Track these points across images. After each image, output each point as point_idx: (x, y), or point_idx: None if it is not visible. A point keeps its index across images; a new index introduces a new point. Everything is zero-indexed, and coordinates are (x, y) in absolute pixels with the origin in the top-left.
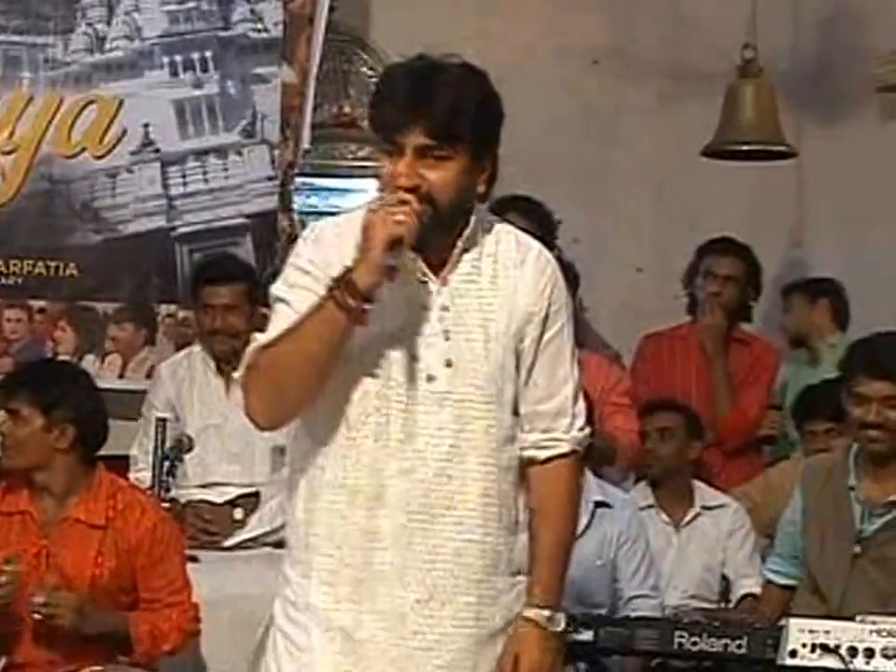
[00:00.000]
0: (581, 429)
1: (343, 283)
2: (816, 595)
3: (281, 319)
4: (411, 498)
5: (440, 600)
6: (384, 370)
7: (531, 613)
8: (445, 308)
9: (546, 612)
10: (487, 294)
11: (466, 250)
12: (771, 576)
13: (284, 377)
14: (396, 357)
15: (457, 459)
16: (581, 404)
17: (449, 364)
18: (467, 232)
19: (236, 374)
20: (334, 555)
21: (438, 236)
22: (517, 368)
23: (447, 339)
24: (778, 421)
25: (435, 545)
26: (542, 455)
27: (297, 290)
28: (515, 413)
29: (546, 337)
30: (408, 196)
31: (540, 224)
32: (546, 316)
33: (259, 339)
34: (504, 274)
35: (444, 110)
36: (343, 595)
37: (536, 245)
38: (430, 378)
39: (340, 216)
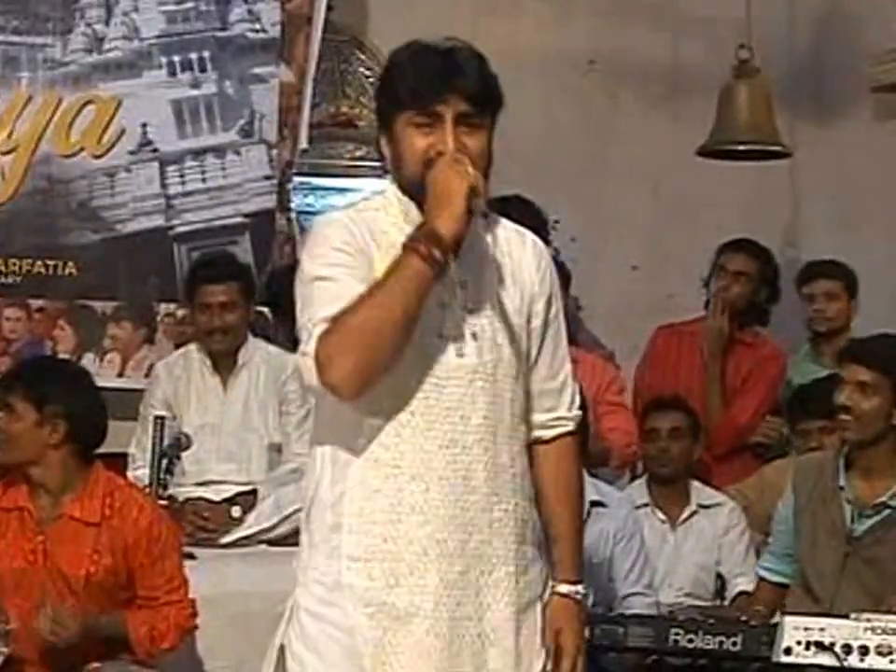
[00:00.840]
0: (579, 407)
1: (424, 236)
2: (809, 595)
3: (328, 295)
4: (450, 472)
5: (479, 570)
6: (415, 345)
7: (565, 589)
8: (464, 284)
9: (580, 587)
10: (498, 272)
11: (475, 232)
12: (764, 573)
13: (375, 339)
14: (425, 330)
15: (490, 431)
16: (576, 384)
17: (475, 337)
18: (481, 222)
19: (301, 352)
20: (368, 531)
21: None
22: (528, 348)
23: (471, 313)
24: (777, 429)
25: (472, 517)
26: (549, 434)
27: (338, 267)
28: (526, 391)
29: (550, 317)
30: (462, 156)
31: (532, 223)
32: (549, 298)
33: (316, 315)
34: (509, 258)
35: (476, 77)
36: (379, 571)
37: (528, 232)
38: (459, 352)
39: (345, 209)
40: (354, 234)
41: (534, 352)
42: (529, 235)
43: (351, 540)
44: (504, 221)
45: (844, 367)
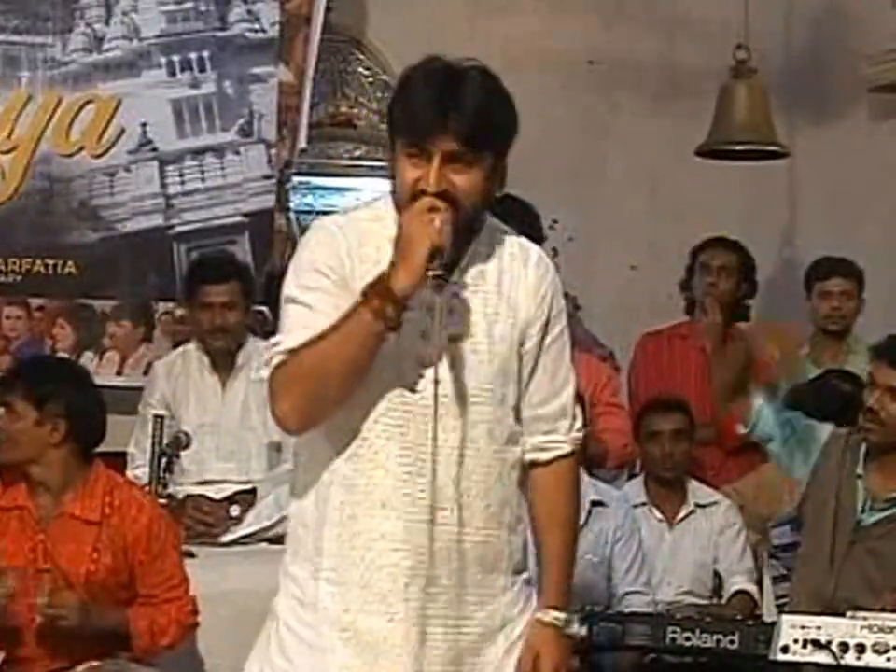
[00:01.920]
0: (579, 430)
1: (379, 290)
2: (811, 583)
3: (302, 321)
4: (417, 501)
5: (444, 600)
6: (393, 372)
7: (548, 616)
8: (451, 310)
9: (562, 614)
10: (492, 298)
11: (473, 254)
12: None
13: (319, 384)
14: (404, 359)
15: (463, 461)
16: (578, 408)
17: (454, 367)
18: (479, 237)
19: (260, 374)
20: (345, 556)
21: (453, 240)
22: (519, 371)
23: (452, 341)
24: None
25: (440, 546)
26: (545, 456)
27: (313, 292)
28: (517, 415)
29: (547, 341)
30: (439, 203)
31: (525, 223)
32: (547, 321)
33: (282, 342)
34: (508, 279)
35: (472, 116)
36: (353, 596)
37: (535, 249)
38: (437, 381)
39: (341, 214)
40: (339, 252)
41: (525, 374)
42: (535, 252)
43: (329, 564)
44: (509, 236)
45: (877, 368)
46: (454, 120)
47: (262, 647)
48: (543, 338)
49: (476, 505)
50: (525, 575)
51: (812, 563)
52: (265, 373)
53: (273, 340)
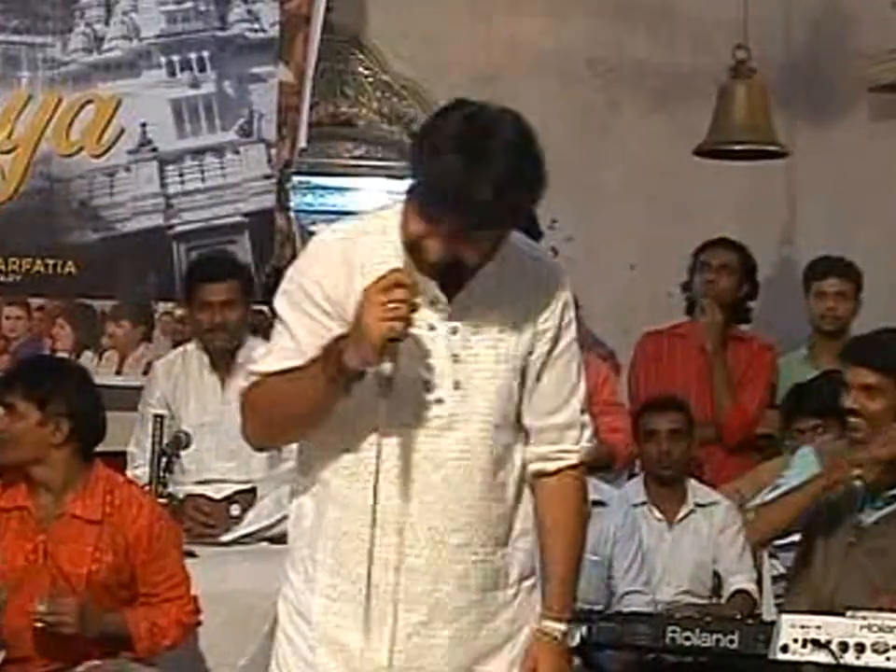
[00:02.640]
0: (589, 441)
1: (334, 359)
2: (808, 581)
3: (281, 346)
4: (416, 521)
5: (442, 620)
6: (393, 389)
7: (549, 627)
8: (454, 331)
9: (563, 626)
10: (498, 316)
11: (483, 272)
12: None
13: (275, 420)
14: (405, 377)
15: (464, 480)
16: (588, 416)
17: (457, 386)
18: (488, 265)
19: (241, 384)
20: (338, 572)
21: (459, 268)
22: (523, 381)
23: (456, 361)
24: (776, 420)
25: (440, 567)
26: (551, 466)
27: (299, 315)
28: (515, 430)
29: (556, 352)
30: (406, 280)
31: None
32: (557, 332)
33: (260, 359)
34: (516, 296)
35: (489, 208)
36: (346, 612)
37: (547, 260)
38: (439, 400)
39: (347, 225)
40: (336, 274)
41: (533, 387)
42: (545, 265)
43: (324, 579)
44: (521, 245)
45: (847, 369)
46: (466, 211)
47: (275, 653)
48: (552, 348)
49: (478, 526)
50: (528, 583)
51: (810, 568)
52: (241, 389)
53: (258, 351)
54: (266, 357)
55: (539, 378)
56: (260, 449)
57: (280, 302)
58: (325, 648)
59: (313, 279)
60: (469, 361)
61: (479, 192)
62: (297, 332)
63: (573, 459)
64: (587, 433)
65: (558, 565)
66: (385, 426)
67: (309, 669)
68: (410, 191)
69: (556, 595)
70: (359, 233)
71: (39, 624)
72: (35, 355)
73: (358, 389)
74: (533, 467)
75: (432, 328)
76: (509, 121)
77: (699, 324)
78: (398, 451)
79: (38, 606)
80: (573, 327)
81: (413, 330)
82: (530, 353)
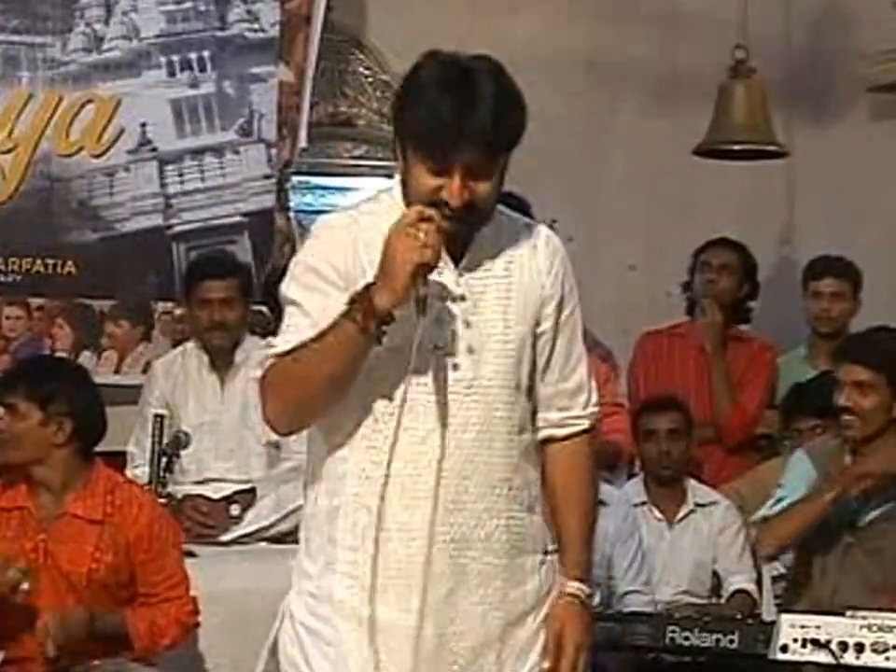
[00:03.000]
0: (596, 404)
1: (363, 304)
2: (808, 584)
3: (296, 324)
4: (441, 488)
5: (469, 586)
6: (408, 359)
7: (572, 588)
8: (463, 297)
9: (585, 588)
10: (503, 281)
11: (479, 242)
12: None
13: (304, 391)
14: (421, 345)
15: (485, 446)
16: (593, 381)
17: (471, 351)
18: (488, 227)
19: (255, 373)
20: (359, 548)
21: (464, 232)
22: (534, 350)
23: (468, 326)
24: (776, 421)
25: (463, 533)
26: (561, 432)
27: (310, 293)
28: (529, 396)
29: (562, 319)
30: (431, 212)
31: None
32: (562, 299)
33: (276, 345)
34: (518, 261)
35: (490, 128)
36: (369, 587)
37: (543, 228)
38: (455, 366)
39: (348, 210)
40: (343, 250)
41: (545, 356)
42: (543, 232)
43: (345, 556)
44: (516, 218)
45: (840, 367)
46: (473, 136)
47: (281, 647)
48: (559, 316)
49: (498, 490)
50: (552, 547)
51: (809, 569)
52: (258, 373)
53: (270, 341)
54: (280, 339)
55: (550, 347)
56: (287, 433)
57: (289, 287)
58: (350, 624)
59: (321, 257)
60: (480, 326)
61: (480, 116)
62: (310, 310)
63: (584, 424)
64: (594, 398)
65: (576, 529)
66: (401, 397)
67: (333, 647)
68: (404, 152)
69: (576, 558)
70: (360, 214)
71: (51, 650)
72: (35, 355)
73: (376, 360)
74: (543, 433)
75: (441, 296)
76: (482, 59)
77: (699, 324)
78: (416, 419)
79: (49, 629)
80: (575, 294)
81: (431, 279)
82: (538, 320)
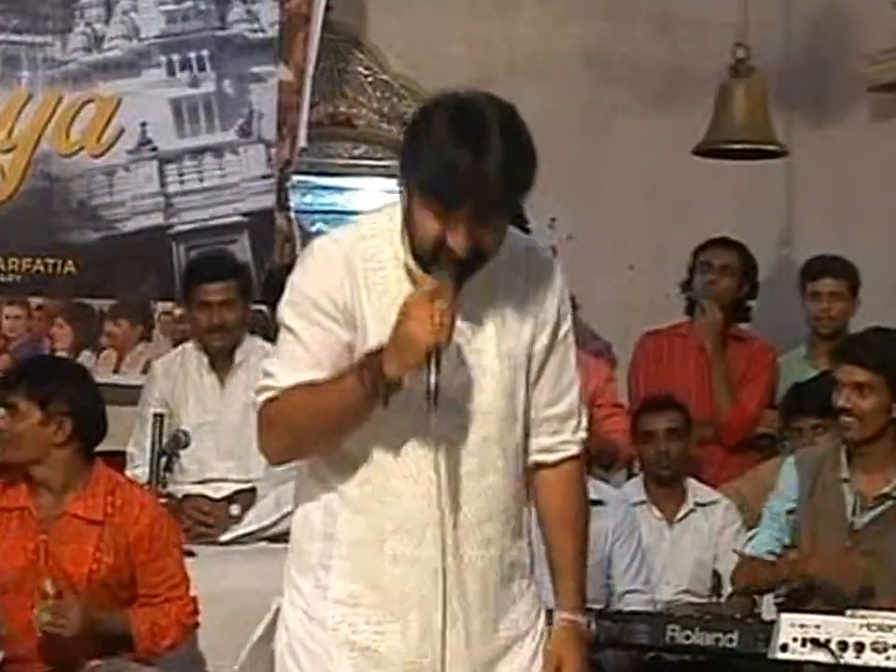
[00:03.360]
0: (585, 430)
1: (372, 369)
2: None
3: (292, 353)
4: (435, 523)
5: (460, 619)
6: (402, 398)
7: (570, 617)
8: (461, 332)
9: (581, 617)
10: (498, 309)
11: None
12: (761, 549)
13: (301, 437)
14: (411, 389)
15: (479, 477)
16: (583, 404)
17: (466, 382)
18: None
19: (254, 399)
20: (355, 579)
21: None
22: (527, 378)
23: (461, 358)
24: (776, 420)
25: (461, 568)
26: (552, 458)
27: (308, 324)
28: (524, 426)
29: (556, 343)
30: (444, 304)
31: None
32: (556, 325)
33: (275, 374)
34: (514, 287)
35: (501, 182)
36: (364, 618)
37: (543, 251)
38: (450, 398)
39: (342, 234)
40: (341, 282)
41: (534, 374)
42: (540, 252)
43: (338, 585)
44: (515, 237)
45: (839, 368)
46: (482, 188)
47: (278, 656)
48: (552, 341)
49: (494, 523)
50: (531, 579)
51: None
52: (256, 399)
53: (266, 366)
54: (279, 369)
55: (540, 370)
56: (279, 464)
57: (286, 313)
58: (343, 652)
59: (318, 288)
60: (473, 357)
61: (489, 170)
62: (308, 343)
63: (574, 450)
64: (584, 422)
65: (569, 555)
66: (398, 426)
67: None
68: (410, 193)
69: (571, 587)
70: (357, 239)
71: (41, 632)
72: (36, 354)
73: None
74: (533, 458)
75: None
76: (494, 102)
77: (699, 324)
78: (411, 451)
79: (41, 615)
80: (569, 316)
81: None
82: (532, 344)
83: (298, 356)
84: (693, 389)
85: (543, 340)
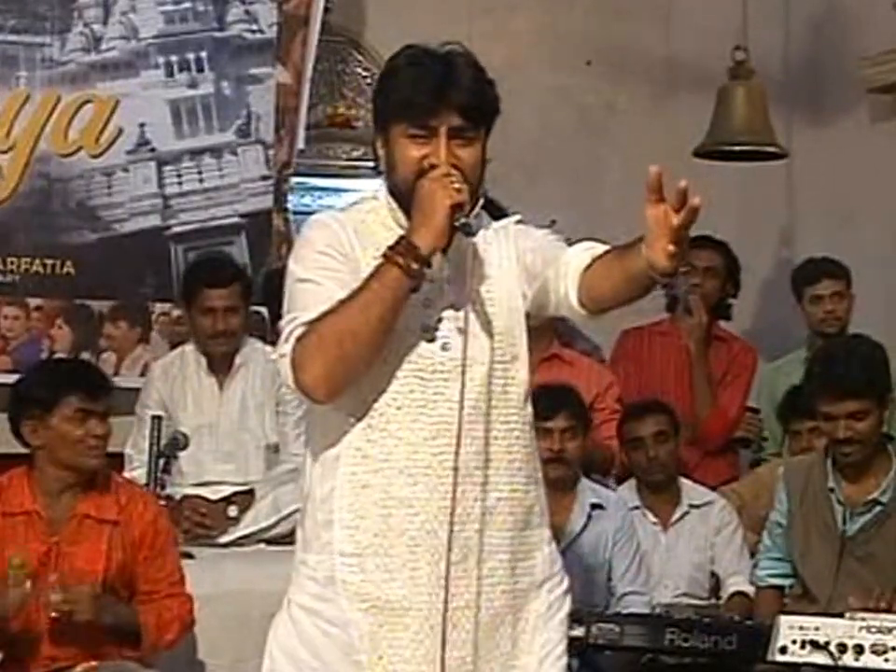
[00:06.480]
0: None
1: (404, 249)
2: (805, 598)
3: (315, 294)
4: (437, 464)
5: (473, 560)
6: (400, 341)
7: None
8: (449, 280)
9: None
10: (485, 259)
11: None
12: (767, 579)
13: (349, 345)
14: (410, 326)
15: (481, 421)
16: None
17: (461, 331)
18: (476, 208)
19: (275, 354)
20: (359, 526)
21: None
22: (528, 277)
23: (455, 308)
24: (755, 424)
25: (464, 507)
26: (589, 256)
27: (322, 272)
28: (529, 365)
29: (533, 241)
30: (454, 170)
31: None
32: (520, 254)
33: (299, 316)
34: (495, 240)
35: (472, 91)
36: (371, 565)
37: (508, 223)
38: (445, 346)
39: (336, 210)
40: (339, 237)
41: (533, 277)
42: (509, 225)
43: (343, 536)
44: (489, 221)
45: (829, 405)
46: (454, 96)
47: (280, 636)
48: (532, 244)
49: (501, 463)
50: (548, 533)
51: (804, 583)
52: (283, 350)
53: (286, 317)
54: (300, 312)
55: (534, 272)
56: (327, 398)
57: (299, 272)
58: (354, 603)
59: (323, 243)
60: (468, 307)
61: (459, 78)
62: (322, 281)
63: (599, 248)
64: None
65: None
66: (394, 375)
67: (339, 628)
68: (388, 136)
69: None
70: (351, 214)
71: (54, 614)
72: (79, 359)
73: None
74: (572, 267)
75: (430, 279)
76: (456, 45)
77: (680, 322)
78: (409, 398)
79: (52, 596)
80: (523, 227)
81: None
82: (523, 289)
83: (317, 295)
84: (673, 387)
85: (528, 255)
